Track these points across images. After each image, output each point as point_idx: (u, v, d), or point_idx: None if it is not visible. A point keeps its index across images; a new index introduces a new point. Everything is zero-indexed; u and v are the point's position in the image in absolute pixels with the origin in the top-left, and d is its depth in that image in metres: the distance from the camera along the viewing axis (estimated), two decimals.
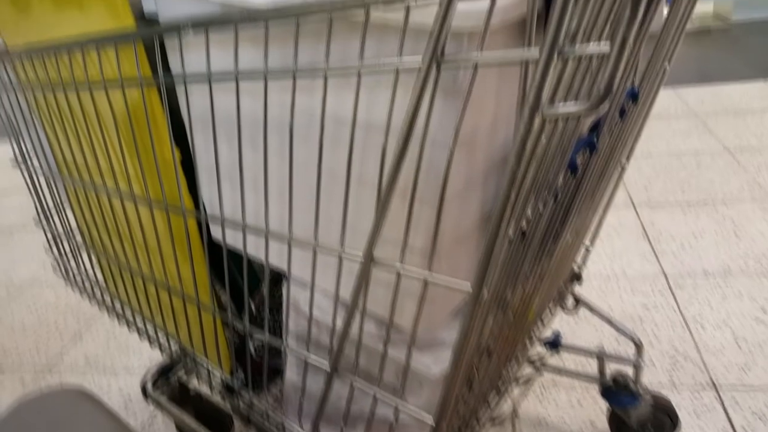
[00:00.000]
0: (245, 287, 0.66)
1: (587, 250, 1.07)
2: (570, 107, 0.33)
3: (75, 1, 0.67)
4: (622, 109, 0.72)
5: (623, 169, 0.95)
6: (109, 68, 0.67)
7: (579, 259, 1.08)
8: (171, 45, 0.64)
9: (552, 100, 0.35)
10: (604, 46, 0.31)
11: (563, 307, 1.11)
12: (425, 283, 0.49)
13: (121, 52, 0.64)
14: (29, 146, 0.94)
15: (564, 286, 1.09)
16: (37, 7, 0.72)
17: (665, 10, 0.72)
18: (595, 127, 0.65)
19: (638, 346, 1.04)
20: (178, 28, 0.51)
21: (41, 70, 0.77)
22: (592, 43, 0.34)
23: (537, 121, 0.33)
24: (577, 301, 1.11)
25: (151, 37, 0.57)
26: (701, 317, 1.39)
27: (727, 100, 2.64)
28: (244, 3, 0.51)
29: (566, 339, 1.39)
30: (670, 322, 1.39)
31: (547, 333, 1.13)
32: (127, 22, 0.63)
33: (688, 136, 2.34)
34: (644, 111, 0.84)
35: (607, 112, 0.64)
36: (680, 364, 1.26)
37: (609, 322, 1.09)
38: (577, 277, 1.11)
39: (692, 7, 0.78)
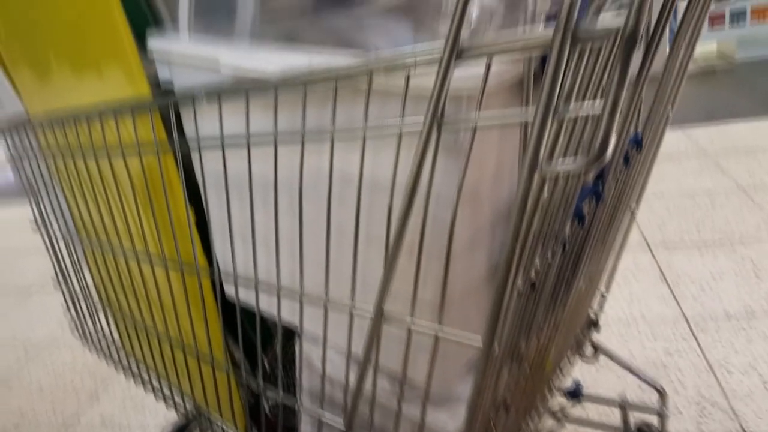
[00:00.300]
0: (258, 344, 0.66)
1: (603, 297, 1.06)
2: (568, 165, 0.34)
3: (94, 70, 0.70)
4: (626, 156, 0.72)
5: (633, 214, 0.95)
6: (126, 134, 0.69)
7: (595, 305, 1.07)
8: (186, 111, 0.67)
9: (550, 157, 0.36)
10: (596, 107, 0.32)
11: (582, 356, 1.09)
12: (436, 338, 0.49)
13: (137, 118, 0.67)
14: (48, 209, 0.96)
15: (581, 334, 1.07)
16: (58, 76, 0.76)
17: (667, 48, 0.73)
18: (600, 176, 0.66)
19: (662, 394, 1.01)
20: (192, 97, 0.53)
21: (61, 136, 0.80)
22: (586, 103, 0.35)
23: (536, 179, 0.34)
24: (596, 349, 1.09)
25: (167, 105, 0.59)
26: (726, 361, 1.35)
27: (737, 138, 2.65)
28: (254, 72, 0.54)
29: (588, 387, 1.35)
30: (694, 367, 1.35)
31: (568, 383, 1.10)
32: (143, 89, 0.66)
33: (700, 175, 2.34)
34: (650, 157, 0.85)
35: (611, 161, 0.64)
36: (708, 411, 1.22)
37: (630, 370, 1.07)
38: (594, 324, 1.09)
39: (691, 54, 0.80)
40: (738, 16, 3.71)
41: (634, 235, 1.98)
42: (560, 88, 0.33)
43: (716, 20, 3.74)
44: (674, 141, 2.75)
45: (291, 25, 0.61)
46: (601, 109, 0.31)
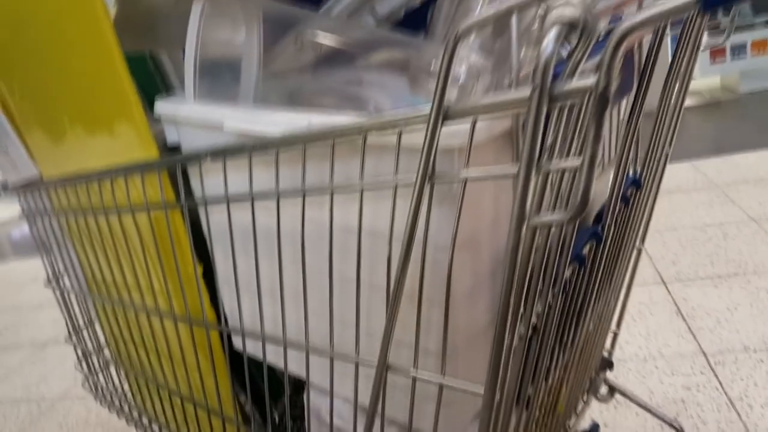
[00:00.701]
0: (267, 397, 0.66)
1: (615, 335, 1.05)
2: (555, 216, 0.35)
3: (104, 134, 0.73)
4: (625, 196, 0.73)
5: (639, 251, 0.95)
6: (135, 193, 0.72)
7: (608, 345, 1.06)
8: (193, 170, 0.69)
9: (539, 209, 0.37)
10: (576, 160, 0.33)
11: (597, 397, 1.08)
12: (441, 388, 0.50)
13: (146, 177, 0.69)
14: (61, 266, 0.99)
15: (596, 374, 1.06)
16: (69, 139, 0.79)
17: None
18: (599, 219, 0.66)
19: None
20: (198, 158, 0.56)
21: (73, 195, 0.83)
22: (571, 156, 0.36)
23: (524, 230, 0.35)
24: (612, 389, 1.08)
25: (174, 165, 0.62)
26: (747, 396, 1.32)
27: (746, 169, 2.64)
28: (257, 133, 0.56)
29: (608, 426, 1.33)
30: (714, 403, 1.32)
31: (585, 423, 1.08)
32: (151, 150, 0.69)
33: (711, 207, 2.33)
34: (651, 195, 0.86)
35: (609, 204, 0.65)
36: None
37: (647, 408, 1.05)
38: (608, 364, 1.08)
39: (685, 91, 0.81)
40: (739, 50, 3.76)
41: (648, 270, 1.96)
42: (542, 144, 0.35)
43: (718, 54, 3.79)
44: (683, 174, 2.75)
45: (293, 85, 0.64)
46: (580, 164, 0.32)
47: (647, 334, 1.63)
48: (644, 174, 0.78)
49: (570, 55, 0.35)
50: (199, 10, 0.60)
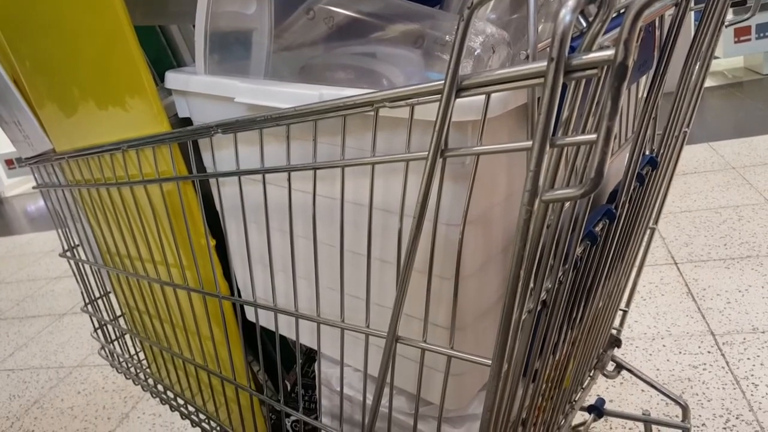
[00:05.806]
0: (279, 367, 0.68)
1: (624, 314, 1.05)
2: (568, 191, 0.35)
3: (115, 108, 0.73)
4: (641, 175, 0.73)
5: (653, 231, 0.95)
6: (147, 166, 0.72)
7: (617, 323, 1.06)
8: (204, 144, 0.70)
9: (552, 184, 0.37)
10: (591, 135, 0.33)
11: (604, 373, 1.09)
12: (449, 359, 0.50)
13: (158, 151, 0.70)
14: (75, 238, 1.00)
15: (603, 351, 1.07)
16: (81, 113, 0.79)
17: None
18: (613, 197, 0.66)
19: (684, 409, 1.00)
20: (209, 131, 0.56)
21: (86, 169, 0.83)
22: (587, 132, 0.36)
23: (536, 205, 0.36)
24: (618, 365, 1.08)
25: (185, 138, 0.62)
26: (753, 375, 1.33)
27: (765, 152, 2.60)
28: (268, 108, 0.56)
29: (614, 402, 1.34)
30: (720, 381, 1.33)
31: (591, 398, 1.09)
32: (163, 124, 0.69)
33: (727, 189, 2.30)
34: (667, 175, 0.85)
35: (623, 182, 0.65)
36: (734, 425, 1.20)
37: (652, 385, 1.05)
38: (616, 342, 1.08)
39: (706, 71, 0.80)
40: (765, 29, 3.65)
41: (660, 250, 1.95)
42: (557, 118, 0.34)
43: (742, 33, 3.68)
44: (700, 155, 2.71)
45: (305, 59, 0.63)
46: (595, 138, 0.32)
47: (657, 313, 1.63)
48: (661, 153, 0.78)
49: (588, 27, 0.34)
50: None
